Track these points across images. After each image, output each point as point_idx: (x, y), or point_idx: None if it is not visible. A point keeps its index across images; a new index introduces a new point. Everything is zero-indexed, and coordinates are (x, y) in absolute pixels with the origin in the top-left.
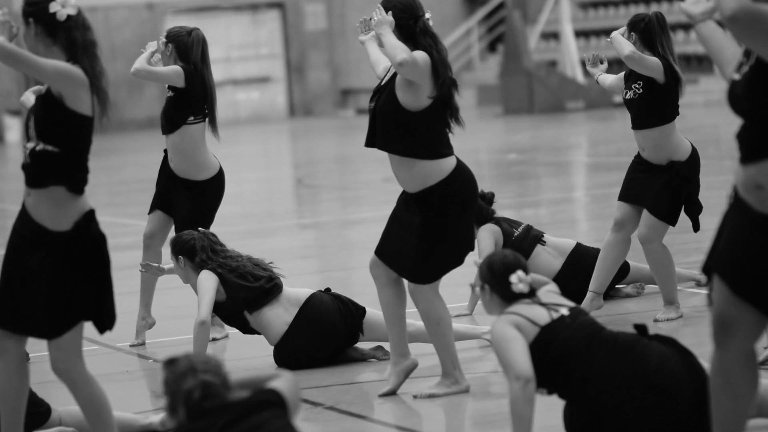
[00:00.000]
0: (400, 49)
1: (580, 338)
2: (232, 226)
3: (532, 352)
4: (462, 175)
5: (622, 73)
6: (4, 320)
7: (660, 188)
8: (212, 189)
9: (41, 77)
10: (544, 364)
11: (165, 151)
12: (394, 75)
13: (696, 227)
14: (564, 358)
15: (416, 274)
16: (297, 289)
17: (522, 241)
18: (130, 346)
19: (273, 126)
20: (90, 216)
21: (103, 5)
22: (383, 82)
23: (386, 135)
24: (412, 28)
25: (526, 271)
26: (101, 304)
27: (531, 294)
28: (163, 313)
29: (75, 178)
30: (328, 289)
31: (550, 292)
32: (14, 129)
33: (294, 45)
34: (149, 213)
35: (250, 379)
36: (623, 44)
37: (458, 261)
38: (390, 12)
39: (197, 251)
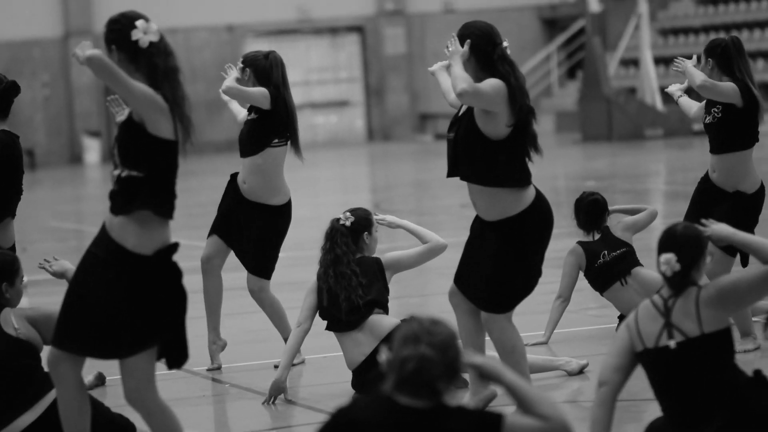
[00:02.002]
0: (461, 80)
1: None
2: (309, 251)
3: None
4: (541, 206)
5: (704, 102)
6: (61, 340)
7: (720, 218)
8: (283, 215)
9: (129, 98)
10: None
11: (232, 175)
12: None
13: (744, 262)
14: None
15: (490, 303)
16: (385, 318)
17: (604, 270)
18: (207, 370)
19: (351, 150)
20: (172, 248)
21: (184, 27)
22: (460, 112)
23: (468, 165)
24: (490, 55)
25: (678, 257)
26: (172, 338)
27: (675, 284)
28: (241, 337)
29: (161, 202)
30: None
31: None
32: (93, 150)
33: (373, 69)
34: (208, 237)
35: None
36: (695, 74)
37: (530, 290)
38: (468, 39)
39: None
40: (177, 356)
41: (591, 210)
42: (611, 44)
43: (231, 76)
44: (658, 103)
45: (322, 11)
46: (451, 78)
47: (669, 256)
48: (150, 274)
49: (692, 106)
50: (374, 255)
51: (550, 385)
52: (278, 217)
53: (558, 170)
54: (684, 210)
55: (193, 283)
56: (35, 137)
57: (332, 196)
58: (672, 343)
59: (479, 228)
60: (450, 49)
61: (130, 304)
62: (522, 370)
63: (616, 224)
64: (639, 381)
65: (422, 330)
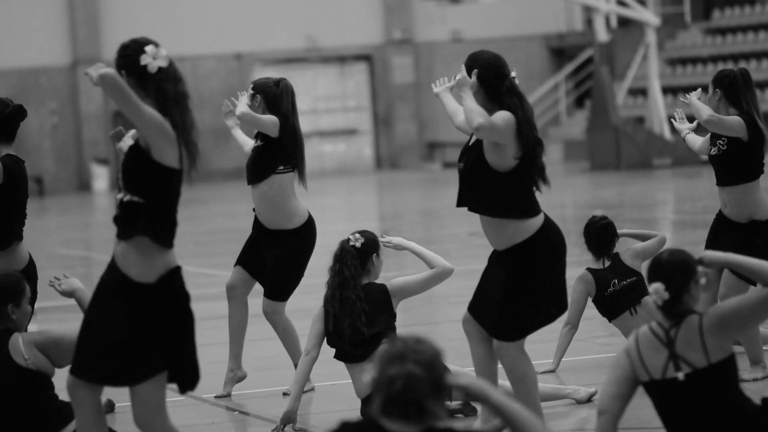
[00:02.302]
0: (477, 114)
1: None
2: (317, 278)
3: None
4: (549, 231)
5: (709, 135)
6: (78, 370)
7: (738, 248)
8: (304, 235)
9: (138, 121)
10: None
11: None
12: None
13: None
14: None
15: (500, 331)
16: None
17: (614, 299)
18: (216, 397)
19: (359, 178)
20: (175, 273)
21: (191, 55)
22: (470, 142)
23: (475, 196)
24: (497, 87)
25: (666, 285)
26: (182, 362)
27: (672, 315)
28: (251, 364)
29: (160, 230)
30: (395, 337)
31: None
32: (101, 177)
33: (381, 97)
34: (234, 265)
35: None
36: (701, 109)
37: (545, 320)
38: (475, 71)
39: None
40: (189, 379)
41: (602, 234)
42: (619, 74)
43: (242, 102)
44: (666, 133)
45: (331, 40)
46: (464, 111)
47: (657, 286)
48: (155, 301)
49: (697, 141)
50: (379, 281)
51: (558, 413)
52: (296, 239)
53: (566, 199)
54: (692, 239)
55: (200, 310)
56: (43, 165)
57: (340, 225)
58: (680, 375)
59: (494, 258)
60: (457, 77)
61: (139, 332)
62: (533, 399)
63: (625, 251)
64: (649, 409)
65: (407, 348)
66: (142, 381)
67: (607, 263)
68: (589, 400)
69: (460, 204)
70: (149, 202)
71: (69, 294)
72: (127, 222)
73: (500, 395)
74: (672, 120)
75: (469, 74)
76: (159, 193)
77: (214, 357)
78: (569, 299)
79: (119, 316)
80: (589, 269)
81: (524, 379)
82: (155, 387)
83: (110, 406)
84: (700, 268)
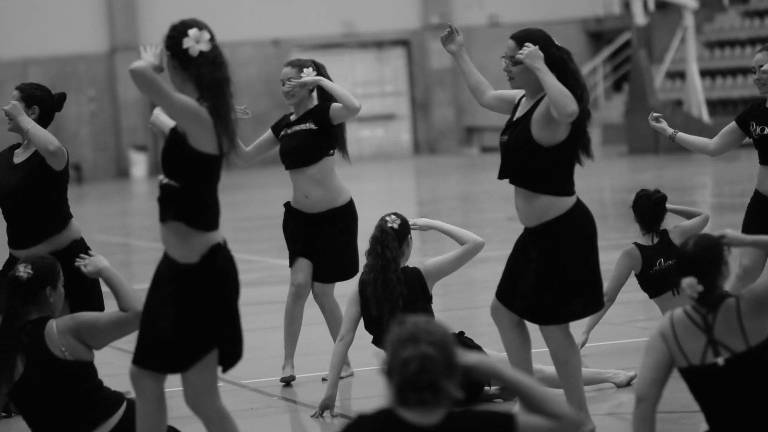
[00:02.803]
0: (570, 99)
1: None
2: None
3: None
4: (580, 212)
5: (728, 127)
6: (138, 359)
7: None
8: (353, 210)
9: (170, 111)
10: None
11: (285, 205)
12: (531, 110)
13: None
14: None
15: (539, 316)
16: None
17: (658, 279)
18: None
19: (397, 163)
20: (216, 249)
21: (230, 42)
22: (515, 117)
23: (517, 169)
24: (555, 56)
25: (699, 279)
26: (225, 340)
27: (708, 302)
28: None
29: (194, 215)
30: (461, 333)
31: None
32: (140, 164)
33: (419, 82)
34: (291, 265)
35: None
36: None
37: (583, 312)
38: (528, 42)
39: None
40: (231, 357)
41: (655, 208)
42: (657, 57)
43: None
44: (705, 116)
45: (368, 25)
46: (552, 91)
47: (690, 281)
48: (200, 281)
49: (690, 138)
50: (410, 264)
51: (597, 397)
52: (346, 215)
53: (604, 183)
54: (730, 222)
55: (242, 296)
56: (82, 152)
57: (379, 210)
58: (720, 361)
59: (521, 241)
60: (525, 52)
61: (186, 316)
62: (575, 383)
63: (673, 228)
64: (687, 392)
65: (418, 329)
66: (191, 366)
67: (656, 240)
68: (628, 383)
69: (502, 176)
70: (185, 186)
71: (96, 274)
72: (164, 205)
73: (514, 372)
74: (651, 122)
75: (521, 47)
76: (195, 178)
77: (254, 342)
78: (614, 272)
79: (170, 302)
80: (636, 244)
81: (566, 364)
82: (204, 369)
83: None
84: (724, 247)
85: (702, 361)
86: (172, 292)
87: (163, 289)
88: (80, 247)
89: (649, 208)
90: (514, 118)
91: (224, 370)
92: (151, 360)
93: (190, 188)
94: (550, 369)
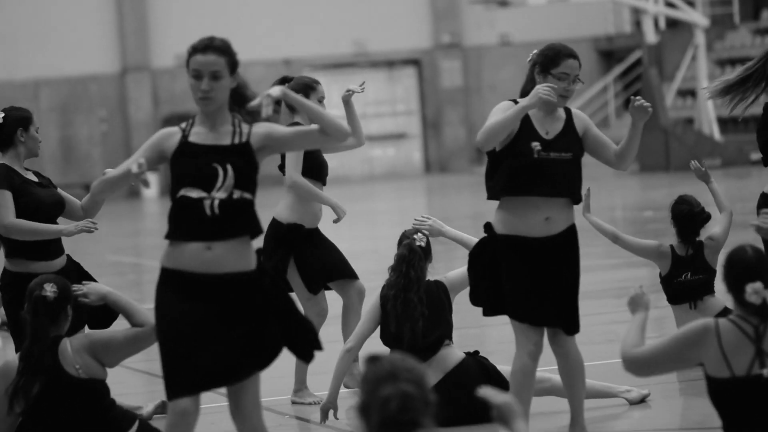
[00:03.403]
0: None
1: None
2: (367, 282)
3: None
4: None
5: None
6: (229, 378)
7: None
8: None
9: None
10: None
11: (290, 228)
12: (570, 126)
13: None
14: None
15: (576, 325)
16: (452, 351)
17: (680, 289)
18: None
19: (408, 182)
20: (259, 252)
21: (242, 61)
22: (551, 134)
23: (574, 184)
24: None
25: (766, 284)
26: (296, 333)
27: (761, 312)
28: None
29: (259, 224)
30: (476, 352)
31: None
32: (151, 185)
33: (430, 101)
34: (316, 293)
35: None
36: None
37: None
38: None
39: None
40: (309, 347)
41: (698, 227)
42: (668, 75)
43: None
44: (716, 133)
45: (379, 45)
46: (636, 148)
47: (758, 286)
48: (263, 283)
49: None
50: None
51: (609, 415)
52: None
53: (616, 201)
54: (742, 239)
55: None
56: (93, 172)
57: (390, 229)
58: (766, 372)
59: (527, 260)
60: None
61: (269, 317)
62: (585, 391)
63: (707, 240)
64: (701, 409)
65: (396, 367)
66: (248, 375)
67: (690, 252)
68: (642, 401)
69: (556, 194)
70: (254, 199)
71: (100, 301)
72: (234, 219)
73: (524, 426)
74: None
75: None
76: (256, 192)
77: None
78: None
79: (247, 312)
80: (672, 248)
81: (582, 368)
82: (258, 378)
83: (164, 408)
84: None
85: (748, 373)
86: (243, 303)
87: (213, 306)
88: (72, 263)
89: (690, 222)
90: (549, 135)
91: (306, 362)
92: (255, 364)
93: (254, 200)
94: (557, 378)
